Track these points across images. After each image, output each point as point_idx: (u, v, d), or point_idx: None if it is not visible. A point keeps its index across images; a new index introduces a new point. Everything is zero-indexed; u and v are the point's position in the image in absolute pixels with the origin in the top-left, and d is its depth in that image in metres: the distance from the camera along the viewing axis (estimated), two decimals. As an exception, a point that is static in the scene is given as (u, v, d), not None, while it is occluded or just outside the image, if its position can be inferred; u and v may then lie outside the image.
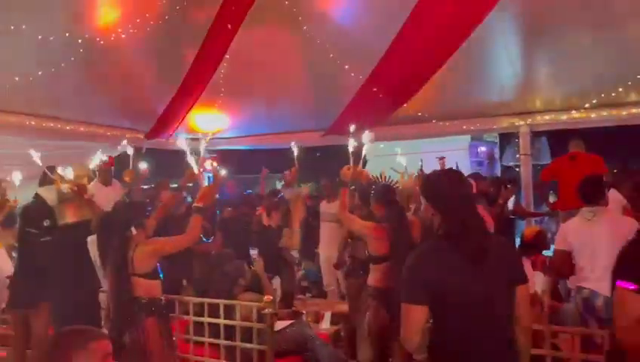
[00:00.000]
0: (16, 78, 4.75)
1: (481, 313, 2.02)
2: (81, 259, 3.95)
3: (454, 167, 5.40)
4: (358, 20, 5.29)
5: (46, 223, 4.04)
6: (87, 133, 6.38)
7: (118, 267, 3.22)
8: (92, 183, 5.18)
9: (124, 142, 5.20)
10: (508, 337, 2.08)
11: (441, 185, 2.17)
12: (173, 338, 3.60)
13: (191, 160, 3.56)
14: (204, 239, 4.48)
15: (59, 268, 3.94)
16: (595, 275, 3.64)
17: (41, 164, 3.97)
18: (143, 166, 5.31)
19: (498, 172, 9.89)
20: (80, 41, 4.71)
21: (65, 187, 3.98)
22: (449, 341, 2.07)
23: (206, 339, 3.87)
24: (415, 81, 5.68)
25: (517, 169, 7.15)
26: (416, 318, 2.02)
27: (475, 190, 4.17)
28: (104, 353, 1.79)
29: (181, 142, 3.72)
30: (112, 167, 5.65)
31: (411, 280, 2.08)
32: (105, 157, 5.26)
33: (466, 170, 7.15)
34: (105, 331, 3.57)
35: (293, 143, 5.59)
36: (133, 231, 3.25)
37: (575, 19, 4.82)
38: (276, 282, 5.08)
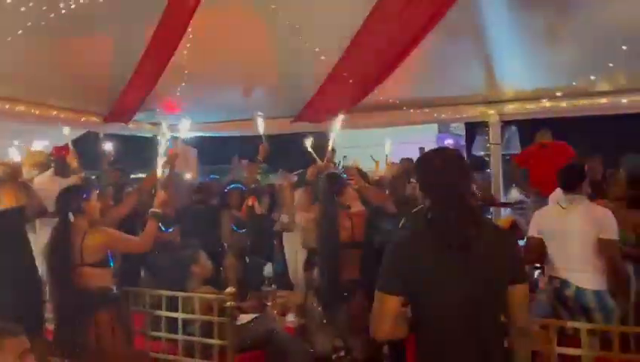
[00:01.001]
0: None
1: (460, 311, 1.85)
2: (14, 248, 3.62)
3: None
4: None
5: None
6: (41, 115, 5.98)
7: (62, 257, 2.98)
8: (47, 174, 4.83)
9: (65, 128, 4.83)
10: (493, 340, 1.89)
11: (433, 166, 1.97)
12: (131, 333, 3.40)
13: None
14: (163, 229, 4.23)
15: None
16: (566, 265, 3.59)
17: None
18: (109, 147, 4.98)
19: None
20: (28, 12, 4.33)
21: None
22: (424, 336, 1.92)
23: (163, 334, 3.64)
24: (386, 67, 5.53)
25: (487, 158, 7.09)
26: (386, 307, 1.89)
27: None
28: (21, 350, 1.65)
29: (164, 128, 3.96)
30: (67, 156, 5.27)
31: (387, 268, 1.92)
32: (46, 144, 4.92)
33: None
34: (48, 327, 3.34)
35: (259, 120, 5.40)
36: (71, 217, 3.01)
37: (546, 5, 4.73)
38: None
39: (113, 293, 3.20)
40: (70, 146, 5.03)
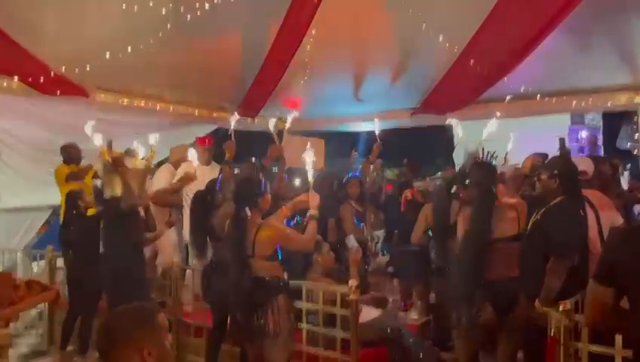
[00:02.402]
0: (107, 56, 4.79)
1: None
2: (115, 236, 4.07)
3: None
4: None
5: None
6: (175, 112, 6.44)
7: (239, 249, 3.16)
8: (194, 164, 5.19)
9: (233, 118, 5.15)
10: None
11: None
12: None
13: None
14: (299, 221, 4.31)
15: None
16: None
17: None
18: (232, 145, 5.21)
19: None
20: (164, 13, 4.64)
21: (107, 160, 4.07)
22: None
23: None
24: (516, 54, 5.14)
25: (635, 151, 6.32)
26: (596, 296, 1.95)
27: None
28: (166, 327, 1.68)
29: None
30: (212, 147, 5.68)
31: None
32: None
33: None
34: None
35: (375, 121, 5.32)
36: (248, 212, 3.14)
37: None
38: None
39: (285, 282, 3.28)
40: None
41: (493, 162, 3.51)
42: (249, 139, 7.23)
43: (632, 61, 5.26)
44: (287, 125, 5.74)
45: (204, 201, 4.06)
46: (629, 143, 6.92)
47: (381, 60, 6.10)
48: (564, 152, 4.82)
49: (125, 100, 5.95)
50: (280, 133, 5.87)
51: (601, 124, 13.44)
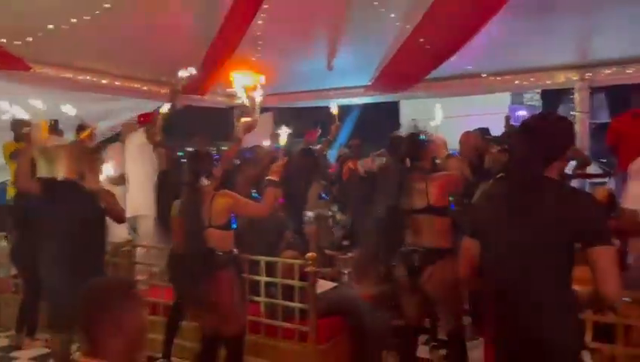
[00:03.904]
0: (50, 27, 4.58)
1: (511, 262, 1.95)
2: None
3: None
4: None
5: None
6: (123, 87, 6.25)
7: (195, 219, 3.19)
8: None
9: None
10: (544, 304, 1.90)
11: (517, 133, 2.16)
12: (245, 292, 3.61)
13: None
14: (255, 195, 4.35)
15: None
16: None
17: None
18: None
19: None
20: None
21: None
22: (487, 281, 2.09)
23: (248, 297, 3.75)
24: (464, 34, 5.29)
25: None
26: (465, 249, 2.19)
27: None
28: (144, 301, 1.71)
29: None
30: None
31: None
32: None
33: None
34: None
35: (332, 103, 5.44)
36: (204, 181, 3.20)
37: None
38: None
39: (235, 254, 3.35)
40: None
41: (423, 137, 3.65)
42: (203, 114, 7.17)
43: (570, 41, 5.54)
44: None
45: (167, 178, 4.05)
46: (567, 120, 7.29)
47: (335, 38, 6.12)
48: (510, 128, 5.05)
49: (69, 74, 5.74)
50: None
51: (540, 103, 14.11)
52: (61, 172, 3.46)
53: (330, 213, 5.16)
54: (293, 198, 4.62)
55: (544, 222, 1.89)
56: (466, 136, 4.33)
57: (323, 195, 5.08)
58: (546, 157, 1.96)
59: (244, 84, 5.65)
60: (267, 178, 3.41)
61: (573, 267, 1.92)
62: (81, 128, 5.23)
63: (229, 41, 5.92)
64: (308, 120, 8.18)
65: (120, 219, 3.72)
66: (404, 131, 3.89)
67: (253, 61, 6.56)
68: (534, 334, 1.90)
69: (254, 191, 4.49)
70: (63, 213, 3.34)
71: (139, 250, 4.82)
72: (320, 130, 6.20)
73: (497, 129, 6.13)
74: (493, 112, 9.86)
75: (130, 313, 1.59)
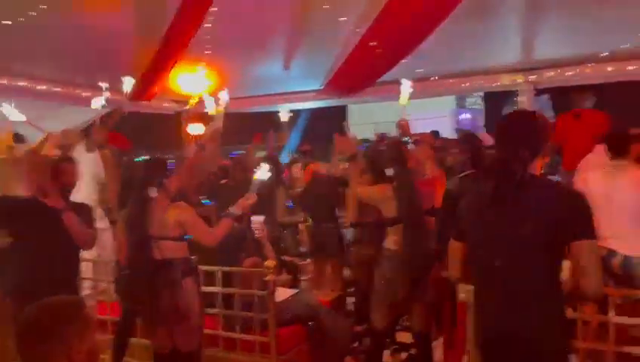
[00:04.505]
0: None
1: (502, 261, 1.93)
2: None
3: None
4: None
5: None
6: (63, 93, 5.94)
7: (142, 229, 3.00)
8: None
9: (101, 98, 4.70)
10: (529, 300, 1.90)
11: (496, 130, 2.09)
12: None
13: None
14: (203, 202, 4.20)
15: None
16: (612, 233, 3.44)
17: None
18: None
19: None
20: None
21: None
22: (477, 281, 2.10)
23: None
24: (416, 36, 5.34)
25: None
26: (453, 252, 2.18)
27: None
28: (94, 322, 1.59)
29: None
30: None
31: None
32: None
33: (450, 137, 6.91)
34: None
35: (281, 110, 5.39)
36: (154, 192, 2.99)
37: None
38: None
39: (193, 263, 3.20)
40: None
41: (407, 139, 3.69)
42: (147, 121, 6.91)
43: (516, 45, 5.71)
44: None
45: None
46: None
47: (284, 42, 6.05)
48: (461, 132, 5.18)
49: (4, 80, 5.40)
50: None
51: (482, 106, 14.55)
52: (18, 188, 3.10)
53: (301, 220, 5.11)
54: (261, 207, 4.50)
55: (535, 219, 1.87)
56: (422, 136, 4.37)
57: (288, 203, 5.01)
58: (531, 153, 1.95)
59: (195, 85, 5.54)
60: (229, 210, 3.25)
61: (562, 263, 1.93)
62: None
63: (177, 44, 5.74)
64: (252, 124, 8.12)
65: (85, 243, 3.26)
66: (352, 133, 3.92)
67: (202, 64, 6.42)
68: (523, 334, 1.90)
69: (204, 197, 4.35)
70: (21, 237, 2.98)
71: (84, 265, 4.55)
72: (274, 134, 6.12)
73: (443, 131, 6.30)
74: (437, 116, 10.07)
75: (80, 338, 1.45)
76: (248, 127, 7.52)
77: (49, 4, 4.34)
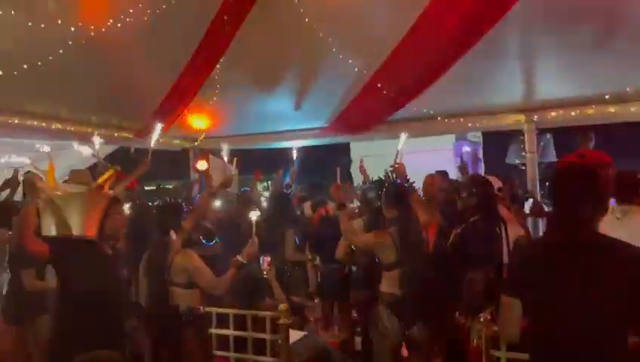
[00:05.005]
0: (-1, 72, 4.39)
1: (572, 327, 1.73)
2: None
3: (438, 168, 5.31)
4: (364, 13, 5.03)
5: None
6: (76, 132, 6.02)
7: (159, 274, 3.06)
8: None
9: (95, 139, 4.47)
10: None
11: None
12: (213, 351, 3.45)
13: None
14: (204, 242, 4.20)
15: None
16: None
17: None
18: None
19: (482, 172, 9.76)
20: (72, 29, 4.37)
21: None
22: (538, 343, 1.85)
23: (217, 352, 3.60)
24: (422, 81, 5.47)
25: (523, 167, 6.97)
26: (507, 306, 1.93)
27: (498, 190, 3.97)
28: None
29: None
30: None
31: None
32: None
33: (452, 169, 6.97)
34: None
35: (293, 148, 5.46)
36: (173, 235, 3.05)
37: (586, 14, 4.63)
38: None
39: (199, 313, 3.17)
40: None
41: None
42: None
43: (520, 86, 5.84)
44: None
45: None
46: (517, 160, 7.65)
47: (293, 81, 6.18)
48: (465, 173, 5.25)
49: (16, 119, 5.49)
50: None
51: (481, 139, 14.67)
52: (75, 228, 2.73)
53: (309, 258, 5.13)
54: (271, 246, 4.53)
55: (611, 288, 1.66)
56: (432, 178, 4.38)
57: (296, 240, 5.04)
58: (597, 208, 1.72)
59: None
60: (238, 258, 3.22)
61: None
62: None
63: (191, 86, 5.89)
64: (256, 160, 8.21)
65: None
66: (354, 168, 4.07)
67: (210, 104, 6.56)
68: None
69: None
70: (75, 280, 2.73)
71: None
72: (282, 172, 6.21)
73: (443, 164, 6.35)
74: (437, 148, 10.17)
75: None
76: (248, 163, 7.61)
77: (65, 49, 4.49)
